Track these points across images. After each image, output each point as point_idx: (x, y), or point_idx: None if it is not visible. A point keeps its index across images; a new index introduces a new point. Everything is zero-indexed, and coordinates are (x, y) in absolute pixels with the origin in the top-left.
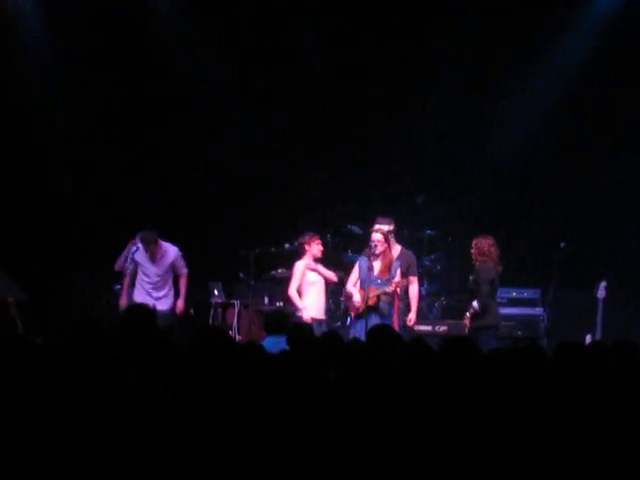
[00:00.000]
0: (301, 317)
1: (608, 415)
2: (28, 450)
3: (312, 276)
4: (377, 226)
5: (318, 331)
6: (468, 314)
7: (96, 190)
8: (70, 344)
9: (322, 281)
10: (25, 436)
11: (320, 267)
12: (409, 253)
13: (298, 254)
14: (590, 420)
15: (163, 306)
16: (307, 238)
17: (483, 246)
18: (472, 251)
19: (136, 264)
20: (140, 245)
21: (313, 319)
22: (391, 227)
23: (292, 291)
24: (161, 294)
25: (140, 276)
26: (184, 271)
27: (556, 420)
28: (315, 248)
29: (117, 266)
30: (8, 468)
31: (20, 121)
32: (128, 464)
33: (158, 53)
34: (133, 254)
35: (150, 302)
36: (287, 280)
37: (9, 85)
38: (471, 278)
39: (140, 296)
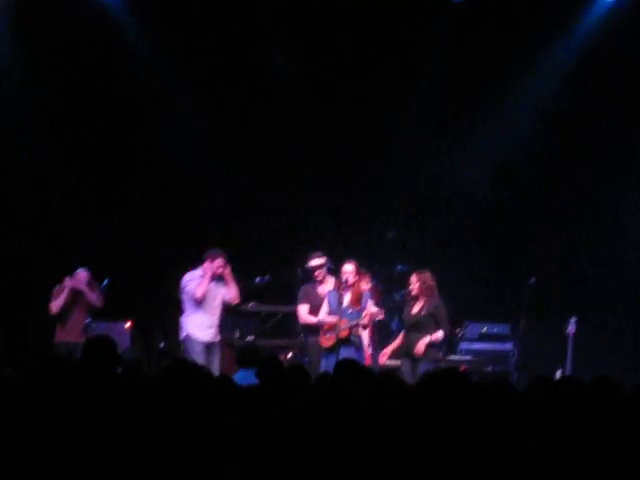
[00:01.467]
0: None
1: (586, 449)
2: None
3: None
4: (314, 261)
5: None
6: (428, 340)
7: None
8: (38, 377)
9: None
10: None
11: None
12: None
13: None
14: (568, 455)
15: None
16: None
17: (428, 280)
18: (416, 285)
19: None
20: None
21: None
22: (323, 260)
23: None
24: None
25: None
26: None
27: (532, 455)
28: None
29: (56, 307)
30: None
31: None
32: None
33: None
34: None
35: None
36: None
37: None
38: (423, 312)
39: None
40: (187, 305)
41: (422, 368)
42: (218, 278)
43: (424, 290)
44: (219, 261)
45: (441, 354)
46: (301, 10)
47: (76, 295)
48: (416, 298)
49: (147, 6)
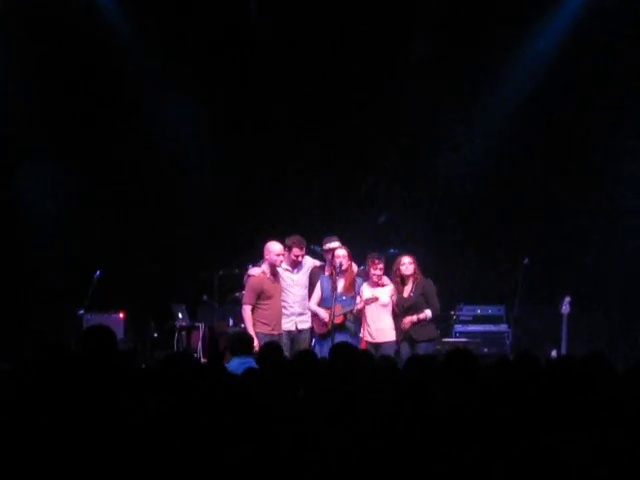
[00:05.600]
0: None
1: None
2: None
3: None
4: (329, 244)
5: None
6: (415, 318)
7: (59, 217)
8: (39, 367)
9: None
10: None
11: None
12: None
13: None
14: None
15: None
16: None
17: (417, 263)
18: (411, 267)
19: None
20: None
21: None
22: (337, 244)
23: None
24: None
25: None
26: None
27: (529, 432)
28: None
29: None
30: None
31: None
32: None
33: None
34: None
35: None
36: None
37: None
38: (413, 294)
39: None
40: None
41: (421, 349)
42: None
43: (417, 271)
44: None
45: (438, 333)
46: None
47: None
48: (403, 281)
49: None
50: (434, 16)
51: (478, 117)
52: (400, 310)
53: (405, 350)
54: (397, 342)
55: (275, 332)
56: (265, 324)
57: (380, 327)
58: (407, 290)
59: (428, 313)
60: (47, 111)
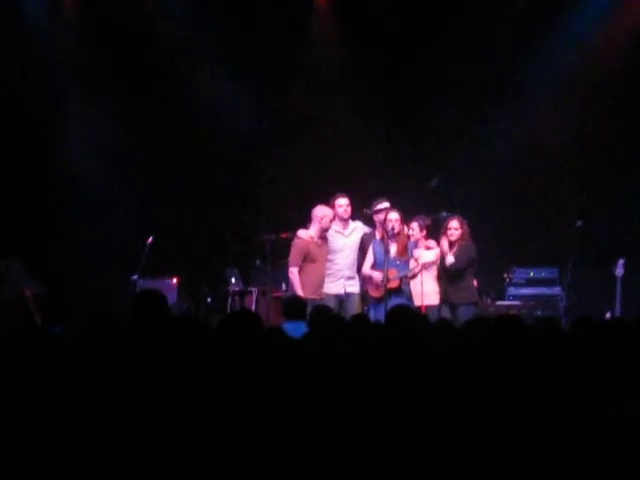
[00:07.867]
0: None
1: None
2: (45, 445)
3: None
4: (379, 206)
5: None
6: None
7: (112, 184)
8: (89, 334)
9: None
10: (43, 429)
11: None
12: None
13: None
14: (611, 395)
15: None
16: None
17: (466, 226)
18: (458, 232)
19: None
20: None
21: None
22: (387, 204)
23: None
24: None
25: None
26: None
27: (575, 395)
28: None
29: None
30: (19, 462)
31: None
32: (145, 455)
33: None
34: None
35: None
36: None
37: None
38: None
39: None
40: None
41: (461, 312)
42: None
43: (464, 236)
44: None
45: (489, 299)
46: None
47: None
48: (451, 244)
49: None
50: None
51: (538, 80)
52: (442, 272)
53: (446, 314)
54: (439, 306)
55: (317, 296)
56: (307, 287)
57: (424, 290)
58: (450, 254)
59: (450, 259)
60: (96, 78)
